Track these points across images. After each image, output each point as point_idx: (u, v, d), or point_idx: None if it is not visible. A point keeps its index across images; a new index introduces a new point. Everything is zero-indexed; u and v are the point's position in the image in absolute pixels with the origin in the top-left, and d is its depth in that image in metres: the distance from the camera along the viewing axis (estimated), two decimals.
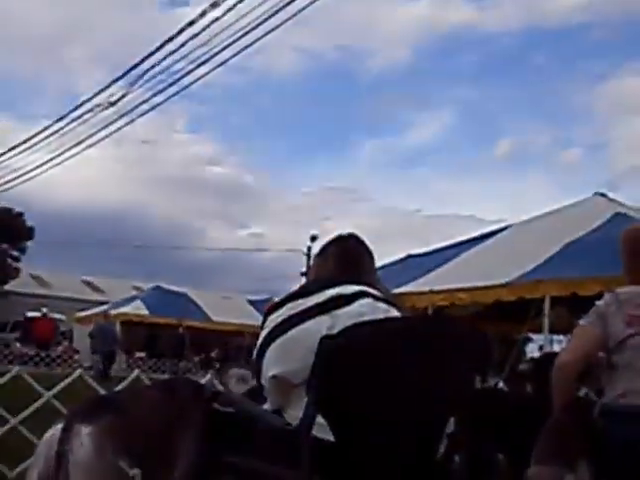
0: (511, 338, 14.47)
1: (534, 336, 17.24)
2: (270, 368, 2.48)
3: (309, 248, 45.27)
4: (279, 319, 2.53)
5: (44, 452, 2.52)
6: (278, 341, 2.48)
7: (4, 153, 25.12)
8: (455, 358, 2.53)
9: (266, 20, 15.36)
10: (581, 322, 3.51)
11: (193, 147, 75.88)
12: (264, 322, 2.59)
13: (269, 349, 2.50)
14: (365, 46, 75.09)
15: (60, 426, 2.52)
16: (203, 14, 16.73)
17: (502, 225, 14.01)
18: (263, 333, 2.56)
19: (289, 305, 2.55)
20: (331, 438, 2.35)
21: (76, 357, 21.42)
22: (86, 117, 20.77)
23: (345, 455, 2.38)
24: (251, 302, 31.49)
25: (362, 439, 2.38)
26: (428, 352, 2.43)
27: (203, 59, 17.34)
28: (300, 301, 2.54)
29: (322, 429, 2.35)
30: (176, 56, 17.50)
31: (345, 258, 2.87)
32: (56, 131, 22.21)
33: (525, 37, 71.44)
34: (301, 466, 2.31)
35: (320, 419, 2.34)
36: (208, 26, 16.41)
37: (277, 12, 14.84)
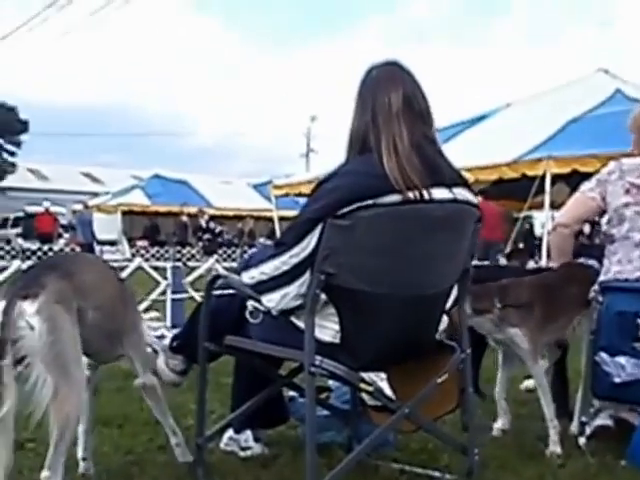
0: (513, 216, 14.50)
1: (536, 213, 17.29)
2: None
3: (308, 129, 44.83)
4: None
5: None
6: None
7: None
8: (460, 239, 2.48)
9: None
10: (581, 187, 3.55)
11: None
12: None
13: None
14: None
15: (1, 306, 2.24)
16: None
17: (504, 103, 13.78)
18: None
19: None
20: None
21: (78, 249, 21.38)
22: None
23: (348, 335, 2.37)
24: (253, 186, 31.34)
25: (364, 316, 2.36)
26: (432, 231, 2.35)
27: None
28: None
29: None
30: None
31: (410, 108, 2.40)
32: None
33: None
34: (305, 347, 2.31)
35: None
36: None
37: None
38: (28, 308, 2.20)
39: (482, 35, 76.20)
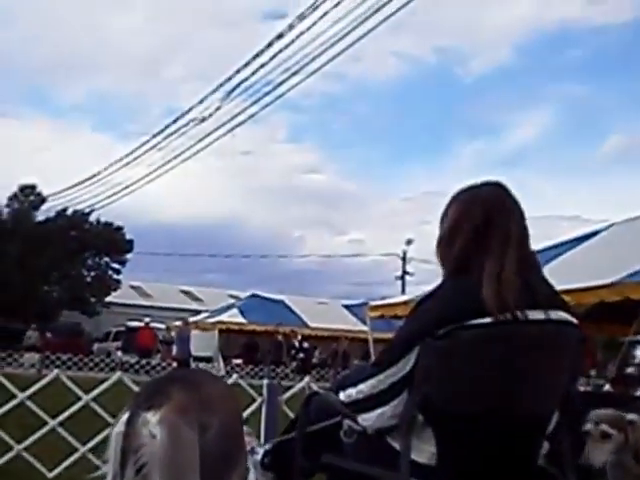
0: (617, 340, 14.00)
1: None
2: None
3: (404, 252, 45.23)
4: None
5: (113, 451, 2.18)
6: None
7: (105, 169, 25.90)
8: (558, 359, 2.37)
9: (359, 25, 15.21)
10: None
11: (293, 156, 77.34)
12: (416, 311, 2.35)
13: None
14: (465, 47, 74.22)
15: (125, 417, 2.21)
16: (291, 27, 16.79)
17: (606, 224, 13.54)
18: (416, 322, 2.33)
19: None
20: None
21: (174, 364, 21.73)
22: (182, 131, 21.27)
23: (444, 458, 2.28)
24: (347, 307, 31.37)
25: (461, 439, 2.29)
26: (528, 352, 2.28)
27: (295, 69, 17.40)
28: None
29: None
30: (269, 67, 17.63)
31: (517, 233, 2.35)
32: (154, 146, 22.81)
33: (635, 29, 68.81)
34: (400, 468, 2.23)
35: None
36: (297, 37, 16.45)
37: (370, 17, 14.69)
38: (151, 418, 2.14)
39: (580, 156, 75.59)
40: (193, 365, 19.79)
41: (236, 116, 20.39)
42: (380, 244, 59.14)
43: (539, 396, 2.36)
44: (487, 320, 2.20)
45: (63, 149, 69.01)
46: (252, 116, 20.69)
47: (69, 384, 6.20)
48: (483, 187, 2.42)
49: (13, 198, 44.18)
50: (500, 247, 2.29)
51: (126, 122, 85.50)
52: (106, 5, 70.21)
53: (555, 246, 12.92)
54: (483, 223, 2.33)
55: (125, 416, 2.16)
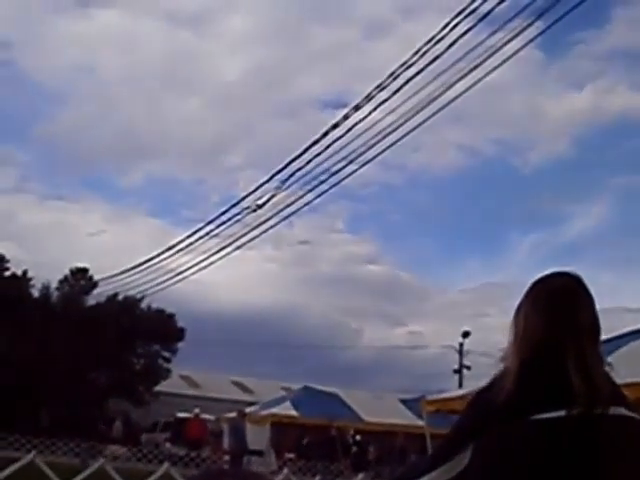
0: None
1: None
2: None
3: (461, 344, 44.27)
4: None
5: None
6: None
7: (157, 255, 25.84)
8: (632, 460, 2.16)
9: (414, 116, 15.37)
10: None
11: (351, 246, 76.85)
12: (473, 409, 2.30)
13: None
14: (524, 139, 74.26)
15: None
16: (346, 117, 17.10)
17: None
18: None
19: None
20: None
21: (226, 457, 20.96)
22: (236, 219, 21.41)
23: None
24: (403, 401, 30.73)
25: None
26: (592, 451, 2.09)
27: (351, 158, 17.69)
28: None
29: None
30: (324, 156, 18.00)
31: (590, 325, 2.28)
32: (207, 233, 22.87)
33: None
34: None
35: None
36: (351, 128, 16.87)
37: (425, 107, 14.80)
38: None
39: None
40: (245, 459, 18.92)
41: (291, 204, 20.34)
42: (438, 336, 58.34)
43: None
44: (559, 414, 2.10)
45: (118, 233, 69.92)
46: (307, 204, 20.60)
47: (113, 475, 5.65)
48: (556, 277, 2.39)
49: (64, 281, 44.31)
50: (575, 340, 2.23)
51: (183, 208, 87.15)
52: (169, 91, 72.49)
53: (620, 336, 12.27)
54: (555, 314, 2.28)
55: None
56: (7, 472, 5.39)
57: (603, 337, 2.40)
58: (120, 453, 24.81)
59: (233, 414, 24.43)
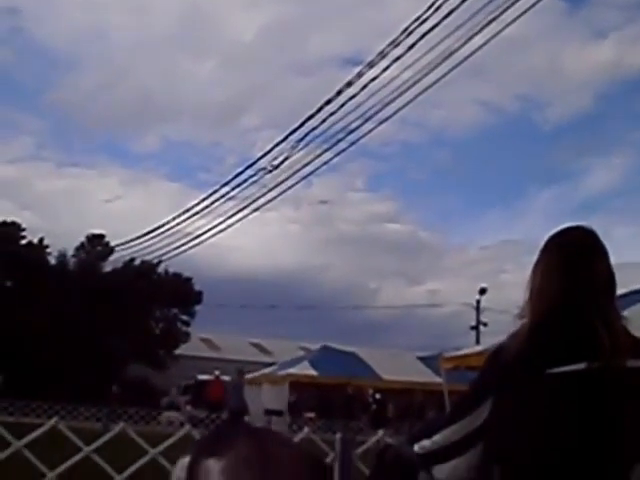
0: None
1: None
2: None
3: (478, 301, 44.27)
4: None
5: None
6: None
7: (173, 219, 25.78)
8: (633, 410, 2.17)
9: (430, 72, 14.97)
10: None
11: (371, 205, 76.92)
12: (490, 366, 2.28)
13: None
14: (545, 94, 73.40)
15: (186, 460, 2.12)
16: (360, 75, 16.65)
17: None
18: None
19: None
20: None
21: (246, 418, 21.12)
22: (252, 180, 21.21)
23: None
24: (421, 359, 30.71)
25: None
26: (613, 401, 2.13)
27: (367, 116, 17.30)
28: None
29: None
30: (339, 115, 17.62)
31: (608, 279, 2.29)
32: (222, 196, 22.72)
33: None
34: None
35: None
36: (365, 86, 16.41)
37: (441, 62, 14.44)
38: (213, 466, 2.04)
39: None
40: (265, 419, 19.09)
41: (308, 164, 20.14)
42: (457, 294, 58.20)
43: (625, 450, 2.17)
44: (580, 366, 2.11)
45: (135, 198, 70.19)
46: (326, 163, 20.40)
47: (135, 437, 5.76)
48: (570, 232, 2.39)
49: (80, 248, 44.45)
50: (592, 293, 2.24)
51: (200, 171, 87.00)
52: (183, 52, 71.96)
53: (633, 292, 12.15)
54: (572, 269, 2.28)
55: (185, 460, 2.12)
56: (31, 437, 5.44)
57: (618, 292, 2.39)
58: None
59: (251, 375, 24.54)
